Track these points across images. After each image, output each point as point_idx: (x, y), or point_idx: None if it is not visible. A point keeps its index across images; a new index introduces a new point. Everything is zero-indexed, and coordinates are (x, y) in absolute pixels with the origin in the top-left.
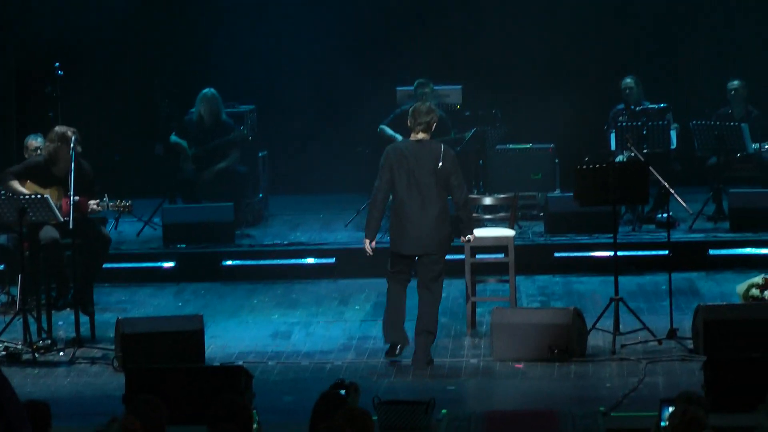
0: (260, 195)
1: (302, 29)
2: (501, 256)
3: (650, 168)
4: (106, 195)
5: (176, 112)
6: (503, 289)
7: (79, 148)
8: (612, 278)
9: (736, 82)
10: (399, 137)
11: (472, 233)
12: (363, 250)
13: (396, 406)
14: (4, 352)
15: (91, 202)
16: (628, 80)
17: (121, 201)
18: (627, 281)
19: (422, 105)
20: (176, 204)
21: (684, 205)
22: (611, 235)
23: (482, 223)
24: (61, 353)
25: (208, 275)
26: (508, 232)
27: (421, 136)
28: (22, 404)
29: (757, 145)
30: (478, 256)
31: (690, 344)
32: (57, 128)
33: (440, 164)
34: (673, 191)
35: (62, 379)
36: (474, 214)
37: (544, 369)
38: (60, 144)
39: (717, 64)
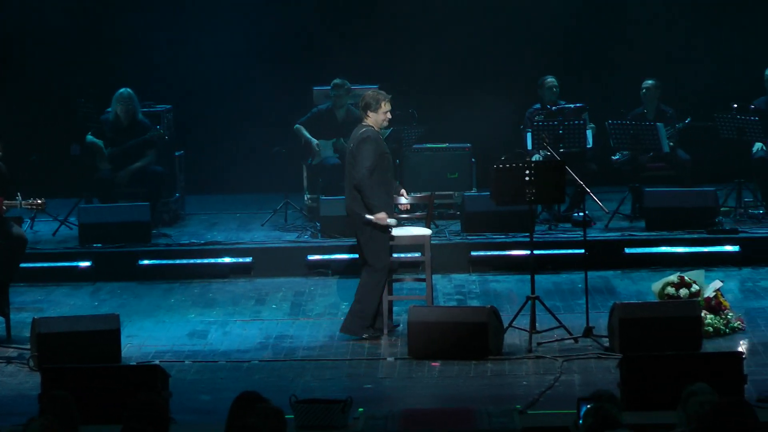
0: (177, 194)
1: (218, 28)
2: (418, 254)
3: (566, 167)
4: (19, 194)
5: (92, 112)
6: (420, 288)
7: None
8: (528, 277)
9: (649, 82)
10: (314, 140)
11: (369, 216)
12: (280, 249)
13: (313, 405)
14: None
15: (6, 201)
16: (550, 79)
17: (34, 199)
18: (543, 280)
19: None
20: (92, 204)
21: (600, 204)
22: (527, 234)
23: (400, 223)
24: None
25: (124, 275)
26: (425, 231)
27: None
28: None
29: (672, 143)
30: (394, 255)
31: (606, 342)
32: None
33: (351, 145)
34: (589, 190)
35: None
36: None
37: (460, 367)
38: None
39: (633, 64)
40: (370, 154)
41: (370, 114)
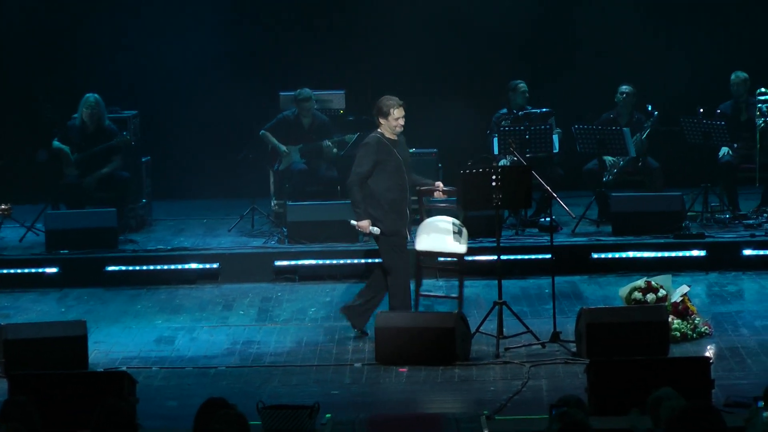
0: (143, 200)
1: (185, 34)
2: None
3: (533, 172)
4: None
5: (59, 118)
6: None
7: None
8: (495, 282)
9: (626, 87)
10: (281, 146)
11: (353, 221)
12: (247, 255)
13: (280, 411)
14: None
15: None
16: (520, 84)
17: (0, 204)
18: (510, 285)
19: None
20: (59, 209)
21: (567, 209)
22: (494, 239)
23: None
24: None
25: (91, 281)
26: (462, 248)
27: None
28: None
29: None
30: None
31: (573, 347)
32: None
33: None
34: (555, 195)
35: None
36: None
37: (428, 373)
38: None
39: (599, 69)
40: (363, 161)
41: (381, 121)
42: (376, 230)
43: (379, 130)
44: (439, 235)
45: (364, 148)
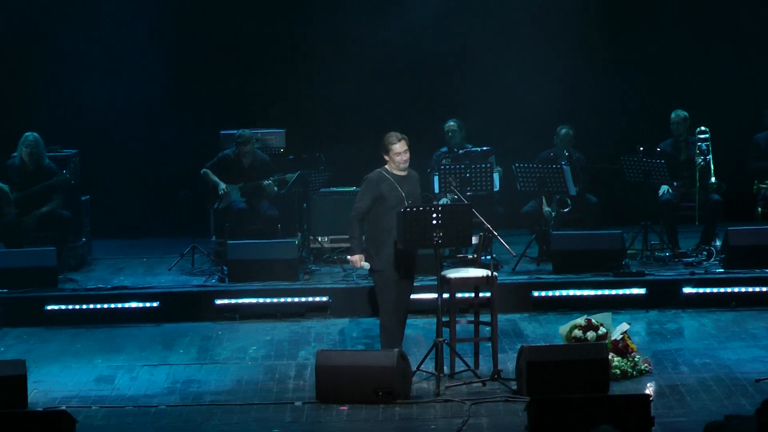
0: (83, 239)
1: (124, 72)
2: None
3: (473, 210)
4: None
5: None
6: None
7: None
8: (435, 320)
9: (564, 129)
10: (221, 184)
11: (351, 255)
12: (187, 293)
13: None
14: None
15: None
16: (451, 123)
17: None
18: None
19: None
20: None
21: (507, 247)
22: (435, 278)
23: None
24: None
25: (31, 320)
26: (486, 272)
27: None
28: None
29: (578, 186)
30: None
31: (514, 385)
32: None
33: None
34: (496, 233)
35: None
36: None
37: (368, 411)
38: None
39: (540, 107)
40: (362, 196)
41: (386, 157)
42: (366, 265)
43: (385, 166)
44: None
45: (365, 184)
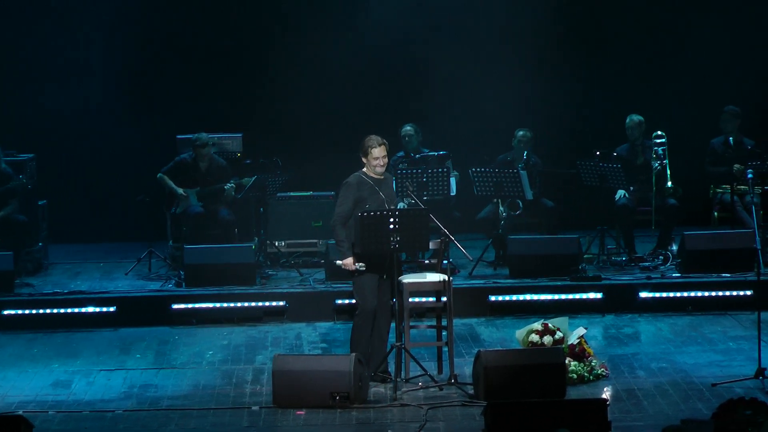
0: (40, 244)
1: (81, 76)
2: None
3: (430, 215)
4: None
5: None
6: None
7: None
8: (393, 325)
9: (522, 132)
10: (178, 189)
11: (343, 259)
12: (144, 298)
13: None
14: None
15: None
16: (408, 128)
17: None
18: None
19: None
20: None
21: (464, 251)
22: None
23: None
24: None
25: None
26: (443, 277)
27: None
28: None
29: (535, 191)
30: (412, 300)
31: (471, 390)
32: None
33: None
34: (452, 238)
35: None
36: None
37: (326, 416)
38: None
39: (497, 113)
40: (343, 200)
41: (364, 160)
42: (361, 267)
43: (363, 169)
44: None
45: (345, 188)
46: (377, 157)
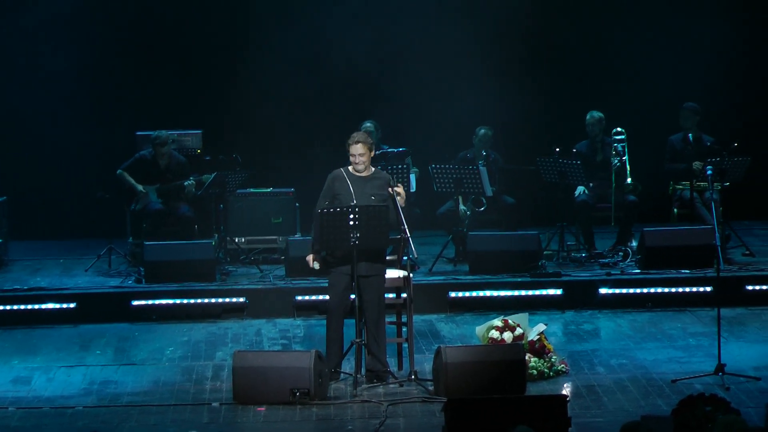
0: (0, 240)
1: (40, 71)
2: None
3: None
4: None
5: None
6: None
7: None
8: (353, 321)
9: (483, 130)
10: (138, 186)
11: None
12: (104, 294)
13: None
14: None
15: None
16: (368, 124)
17: None
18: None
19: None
20: None
21: (412, 248)
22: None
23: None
24: None
25: None
26: (403, 273)
27: None
28: None
29: (495, 187)
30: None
31: (431, 386)
32: None
33: None
34: (408, 234)
35: None
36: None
37: (286, 412)
38: None
39: (456, 110)
40: (322, 195)
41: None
42: (316, 266)
43: (348, 165)
44: None
45: (326, 182)
46: (353, 154)
